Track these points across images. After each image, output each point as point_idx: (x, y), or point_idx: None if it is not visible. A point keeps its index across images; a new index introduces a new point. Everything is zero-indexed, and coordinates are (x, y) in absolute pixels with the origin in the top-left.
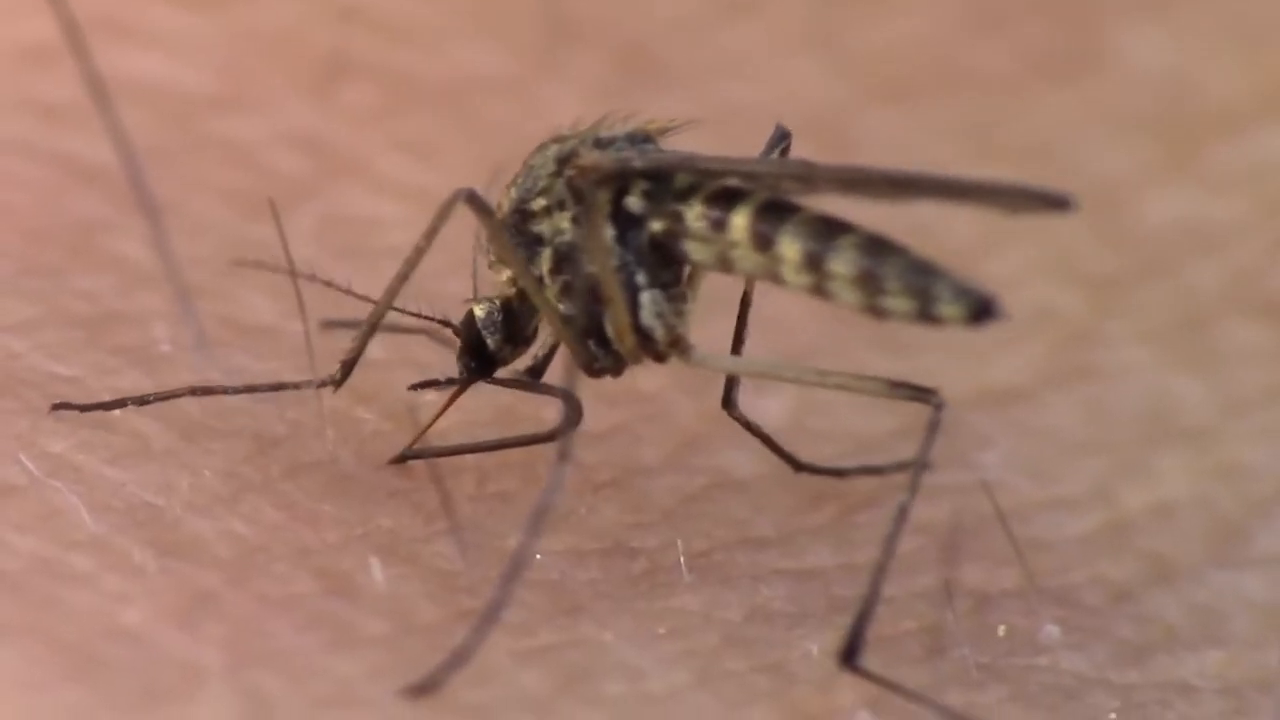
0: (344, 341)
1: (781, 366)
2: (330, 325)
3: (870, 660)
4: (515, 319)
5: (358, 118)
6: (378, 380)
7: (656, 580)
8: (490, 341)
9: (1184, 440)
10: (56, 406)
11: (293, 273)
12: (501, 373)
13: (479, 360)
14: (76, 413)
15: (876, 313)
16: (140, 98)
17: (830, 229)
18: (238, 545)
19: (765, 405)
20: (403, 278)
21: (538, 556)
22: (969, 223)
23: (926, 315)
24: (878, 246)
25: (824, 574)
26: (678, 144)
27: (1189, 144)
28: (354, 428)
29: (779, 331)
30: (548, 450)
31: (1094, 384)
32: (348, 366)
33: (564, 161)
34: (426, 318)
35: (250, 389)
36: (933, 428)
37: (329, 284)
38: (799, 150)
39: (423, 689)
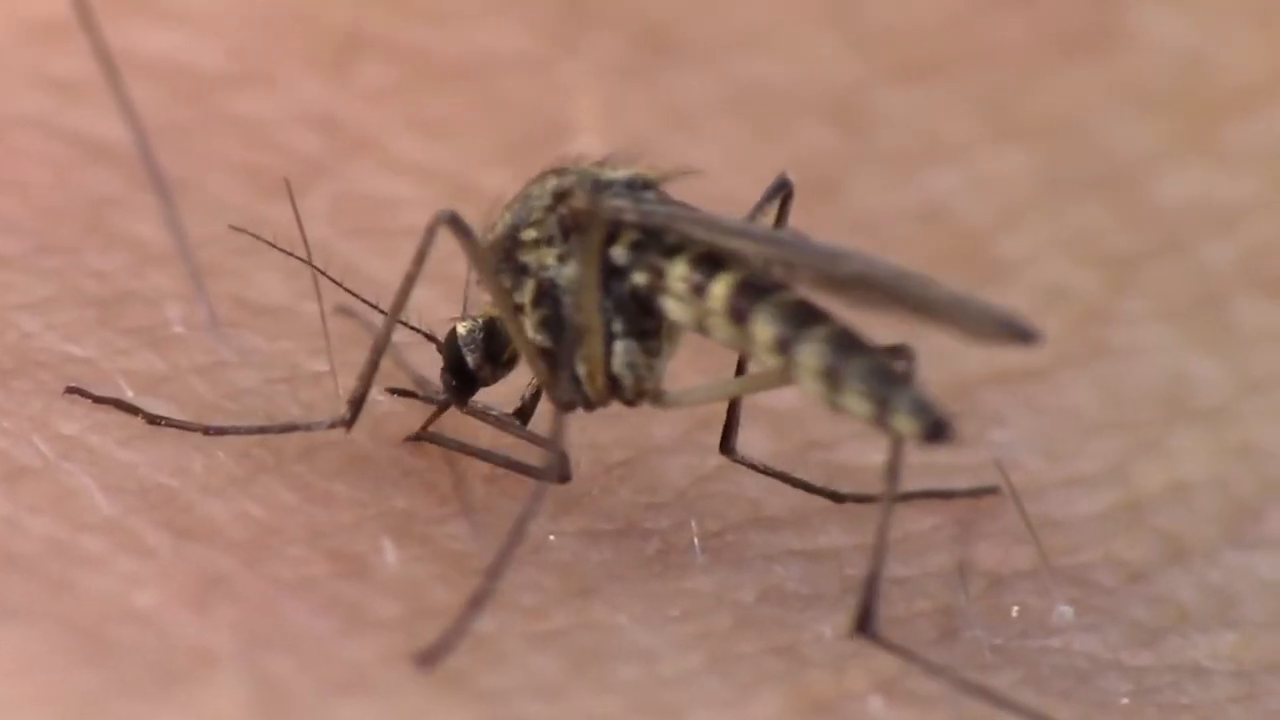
0: (357, 325)
1: (750, 382)
2: (344, 312)
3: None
4: (496, 339)
5: (373, 96)
6: (391, 358)
7: (669, 561)
8: (470, 359)
9: (1199, 419)
10: (70, 390)
11: (307, 253)
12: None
13: (460, 378)
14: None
15: (834, 407)
16: (154, 74)
17: (805, 317)
18: (251, 527)
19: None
20: (398, 307)
21: (550, 538)
22: (984, 201)
23: (881, 422)
24: (847, 344)
25: (837, 554)
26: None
27: (1205, 122)
28: (368, 408)
29: None
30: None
31: (1109, 363)
32: (356, 405)
33: (560, 197)
34: (413, 329)
35: (262, 430)
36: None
37: (324, 274)
38: (818, 131)
39: (424, 661)
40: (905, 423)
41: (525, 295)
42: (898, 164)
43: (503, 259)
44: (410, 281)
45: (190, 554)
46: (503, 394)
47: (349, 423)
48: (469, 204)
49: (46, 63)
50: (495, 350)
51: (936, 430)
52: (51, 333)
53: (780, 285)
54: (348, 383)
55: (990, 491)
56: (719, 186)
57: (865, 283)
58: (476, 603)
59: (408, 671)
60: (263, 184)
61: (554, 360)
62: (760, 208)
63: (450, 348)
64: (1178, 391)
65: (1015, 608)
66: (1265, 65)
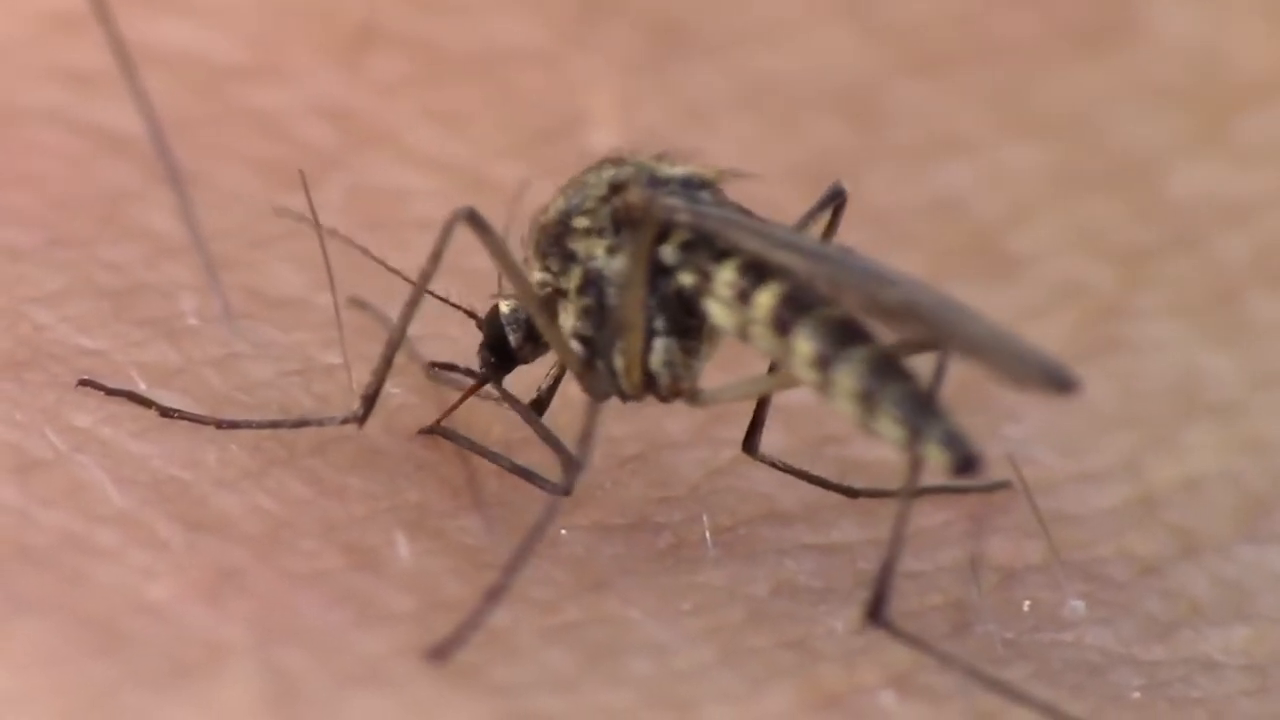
0: (371, 318)
1: (784, 379)
2: (358, 303)
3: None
4: None
5: (387, 88)
6: (405, 352)
7: (682, 555)
8: (511, 338)
9: (1212, 414)
10: (83, 383)
11: (323, 243)
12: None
13: (499, 355)
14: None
15: (865, 429)
16: (169, 66)
17: (847, 336)
18: (264, 520)
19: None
20: (413, 304)
21: (563, 532)
22: (997, 195)
23: (911, 449)
24: (886, 368)
25: (849, 549)
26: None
27: (1217, 116)
28: (381, 401)
29: None
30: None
31: (1121, 358)
32: (369, 401)
33: (615, 189)
34: (454, 305)
35: (275, 425)
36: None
37: (368, 253)
38: (831, 125)
39: (436, 655)
40: (936, 453)
41: (570, 282)
42: (910, 158)
43: (552, 244)
44: (427, 278)
45: (203, 547)
46: (522, 386)
47: (362, 419)
48: (483, 197)
49: (61, 55)
50: (536, 329)
51: (966, 464)
52: (65, 325)
53: (826, 300)
54: (361, 375)
55: (1002, 486)
56: (734, 180)
57: (909, 311)
58: (490, 597)
59: (420, 665)
60: (277, 176)
61: (591, 350)
62: (812, 215)
63: (492, 324)
64: (1190, 386)
65: (1027, 602)
66: (1278, 60)
